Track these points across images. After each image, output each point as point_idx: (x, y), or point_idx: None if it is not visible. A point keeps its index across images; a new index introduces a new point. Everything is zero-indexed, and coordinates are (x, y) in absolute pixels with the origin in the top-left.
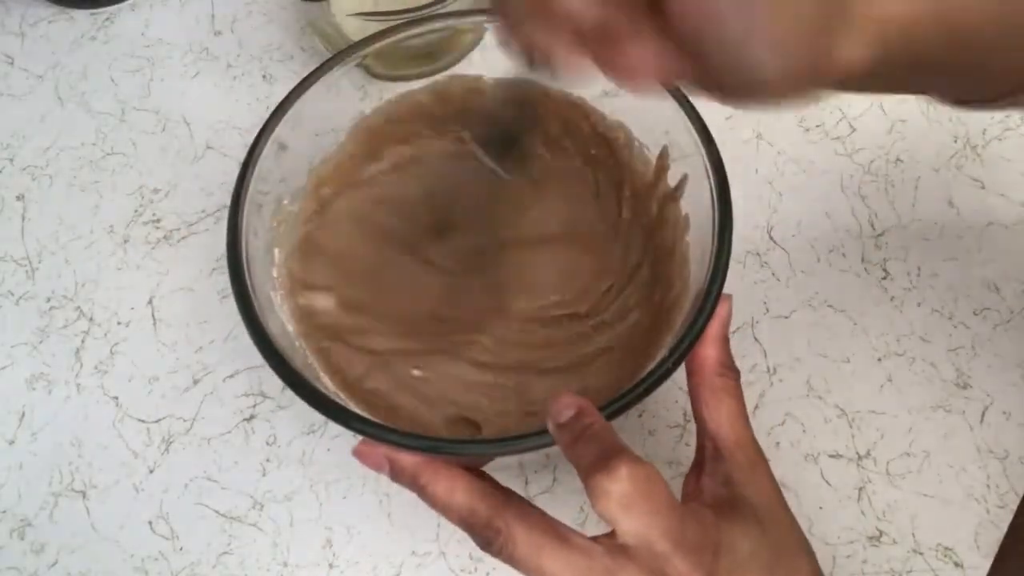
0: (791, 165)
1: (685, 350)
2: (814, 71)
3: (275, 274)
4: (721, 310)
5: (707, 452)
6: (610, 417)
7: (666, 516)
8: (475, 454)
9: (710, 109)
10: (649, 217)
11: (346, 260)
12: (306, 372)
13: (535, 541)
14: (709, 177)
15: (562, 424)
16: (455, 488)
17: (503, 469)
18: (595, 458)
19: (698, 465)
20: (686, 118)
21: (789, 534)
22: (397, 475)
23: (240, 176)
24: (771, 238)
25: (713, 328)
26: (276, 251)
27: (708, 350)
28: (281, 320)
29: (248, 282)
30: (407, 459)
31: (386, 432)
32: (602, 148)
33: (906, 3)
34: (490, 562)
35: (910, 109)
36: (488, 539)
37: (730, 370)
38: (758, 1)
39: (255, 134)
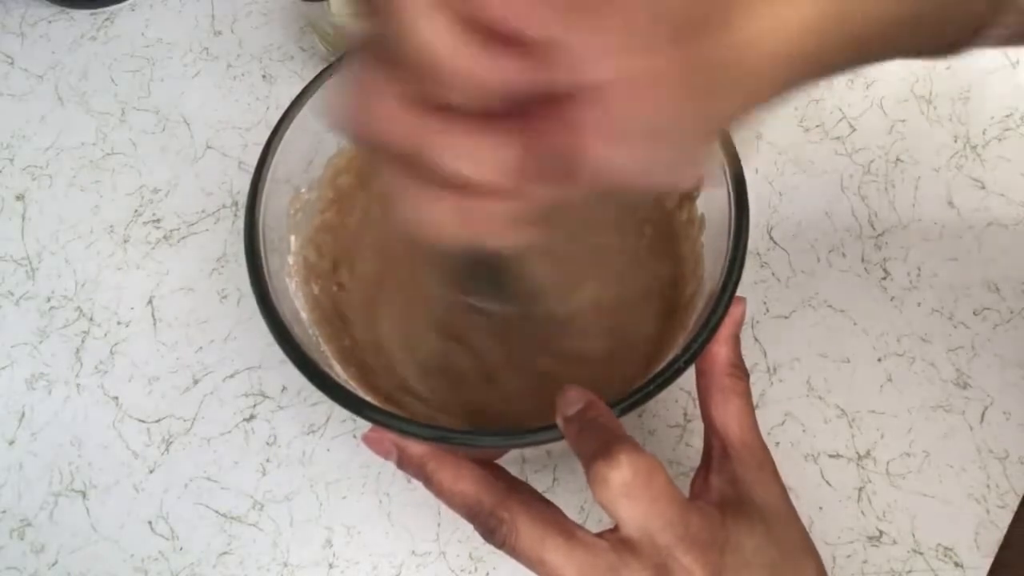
0: (791, 165)
1: (698, 349)
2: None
3: (291, 261)
4: (735, 311)
5: (714, 451)
6: (622, 413)
7: (668, 507)
8: (482, 446)
9: None
10: (665, 216)
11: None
12: (318, 360)
13: (538, 533)
14: (726, 177)
15: (569, 417)
16: (460, 477)
17: (504, 466)
18: (597, 447)
19: (705, 464)
20: None
21: (794, 535)
22: (404, 463)
23: (258, 166)
24: (771, 238)
25: (726, 328)
26: (292, 238)
27: (719, 349)
28: (295, 307)
29: (265, 269)
30: (415, 447)
31: (396, 420)
32: None
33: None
34: (490, 562)
35: (910, 109)
36: (491, 529)
37: (740, 370)
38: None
39: (255, 134)
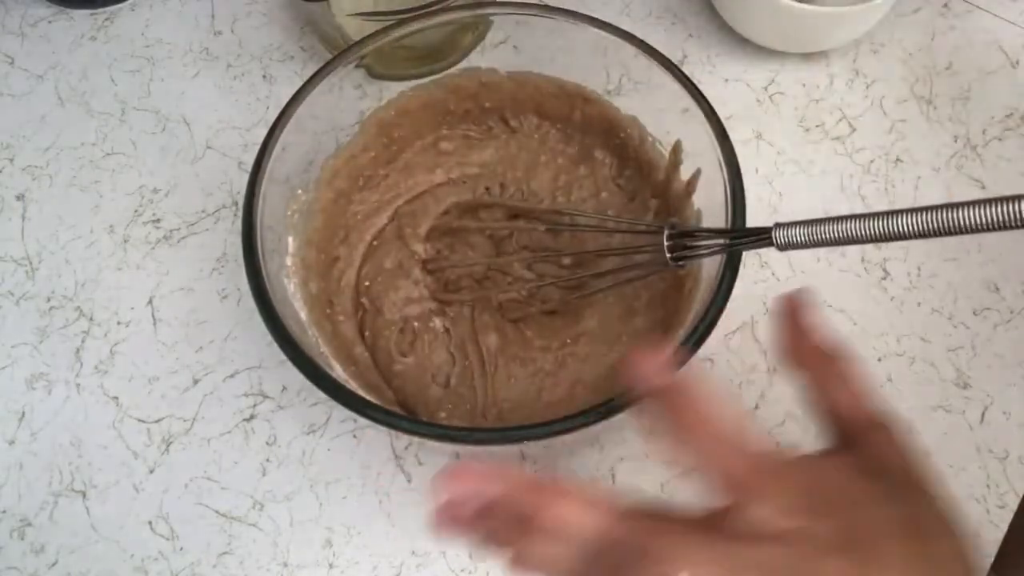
0: (791, 165)
1: (695, 343)
2: None
3: (289, 262)
4: (790, 303)
5: (837, 442)
6: (624, 408)
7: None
8: (484, 442)
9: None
10: (665, 211)
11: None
12: (318, 360)
13: (689, 544)
14: (723, 171)
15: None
16: (570, 510)
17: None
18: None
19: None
20: (701, 113)
21: (934, 510)
22: (487, 514)
23: (254, 168)
24: None
25: (789, 325)
26: (290, 239)
27: (794, 344)
28: (294, 308)
29: (263, 270)
30: (492, 484)
31: (396, 419)
32: (615, 142)
33: None
34: (490, 562)
35: (910, 109)
36: (633, 560)
37: (829, 356)
38: None
39: (255, 134)
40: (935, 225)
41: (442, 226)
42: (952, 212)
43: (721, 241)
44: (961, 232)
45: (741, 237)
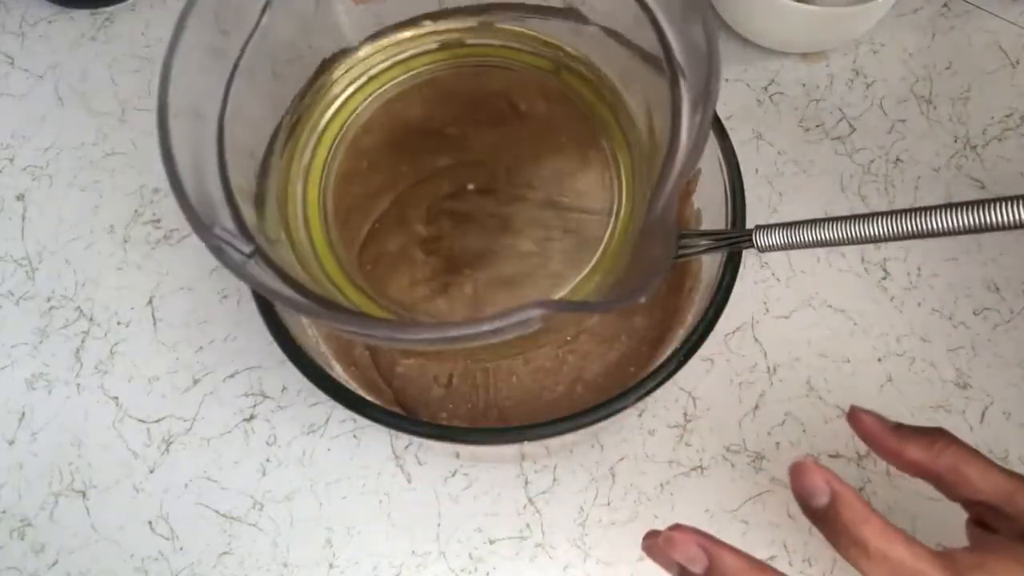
0: (791, 165)
1: (695, 343)
2: None
3: None
4: (864, 423)
5: (988, 518)
6: (624, 408)
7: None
8: (485, 442)
9: None
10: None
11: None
12: (319, 360)
13: None
14: (723, 171)
15: (816, 511)
16: None
17: (503, 465)
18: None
19: (983, 524)
20: None
21: None
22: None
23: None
24: None
25: (880, 436)
26: None
27: (907, 451)
28: None
29: None
30: (731, 559)
31: (397, 419)
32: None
33: None
34: (490, 562)
35: (910, 109)
36: None
37: (935, 445)
38: None
39: None
40: (910, 228)
41: (440, 207)
42: (926, 215)
43: (703, 243)
44: (936, 235)
45: (723, 239)
